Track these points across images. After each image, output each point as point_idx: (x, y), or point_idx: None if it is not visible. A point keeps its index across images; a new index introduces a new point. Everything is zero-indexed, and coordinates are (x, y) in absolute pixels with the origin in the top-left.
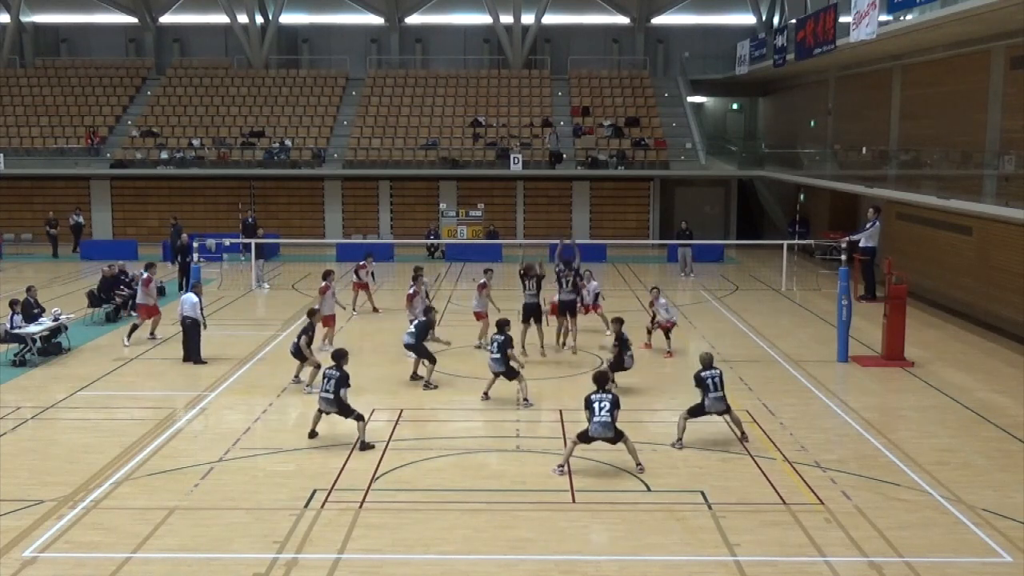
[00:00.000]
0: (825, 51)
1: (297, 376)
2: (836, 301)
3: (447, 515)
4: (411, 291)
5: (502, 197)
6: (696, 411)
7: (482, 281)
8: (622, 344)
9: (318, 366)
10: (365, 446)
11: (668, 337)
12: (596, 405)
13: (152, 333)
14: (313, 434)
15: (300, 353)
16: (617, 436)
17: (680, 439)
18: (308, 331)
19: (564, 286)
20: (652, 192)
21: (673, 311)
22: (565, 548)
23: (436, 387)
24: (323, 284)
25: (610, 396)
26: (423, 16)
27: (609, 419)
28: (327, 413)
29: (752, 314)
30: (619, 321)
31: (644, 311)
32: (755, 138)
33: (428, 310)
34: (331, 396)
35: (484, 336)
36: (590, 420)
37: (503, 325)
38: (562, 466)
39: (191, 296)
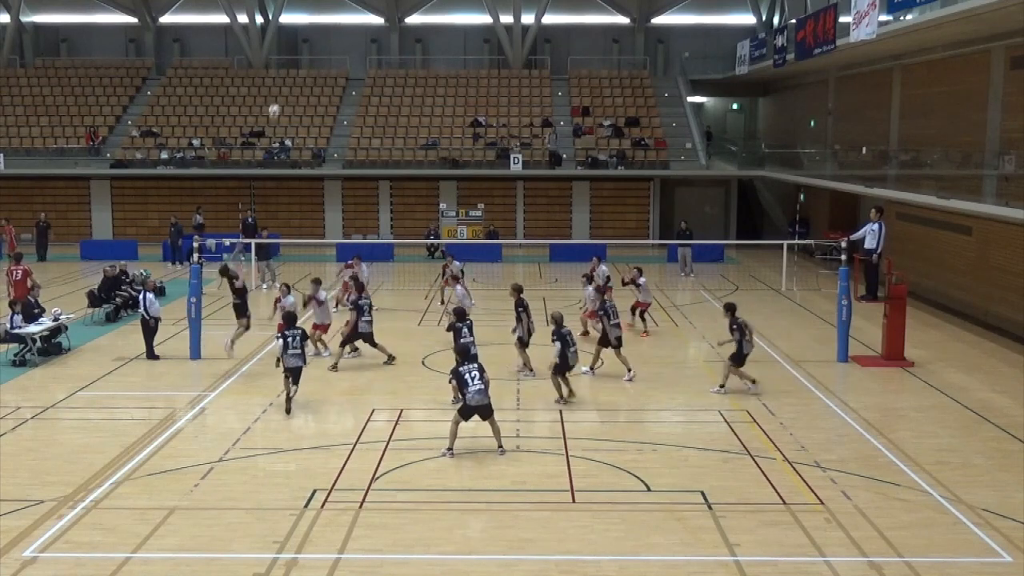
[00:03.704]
0: (825, 51)
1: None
2: (836, 301)
3: (447, 515)
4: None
5: (502, 197)
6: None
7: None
8: (741, 332)
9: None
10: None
11: (644, 319)
12: (468, 376)
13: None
14: (288, 411)
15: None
16: (491, 408)
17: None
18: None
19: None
20: (652, 192)
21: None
22: (565, 548)
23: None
24: (307, 294)
25: (478, 365)
26: (423, 16)
27: (483, 386)
28: (295, 374)
29: (752, 314)
30: (731, 308)
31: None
32: (755, 138)
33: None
34: (299, 351)
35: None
36: (464, 392)
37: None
38: (450, 449)
39: (148, 295)
